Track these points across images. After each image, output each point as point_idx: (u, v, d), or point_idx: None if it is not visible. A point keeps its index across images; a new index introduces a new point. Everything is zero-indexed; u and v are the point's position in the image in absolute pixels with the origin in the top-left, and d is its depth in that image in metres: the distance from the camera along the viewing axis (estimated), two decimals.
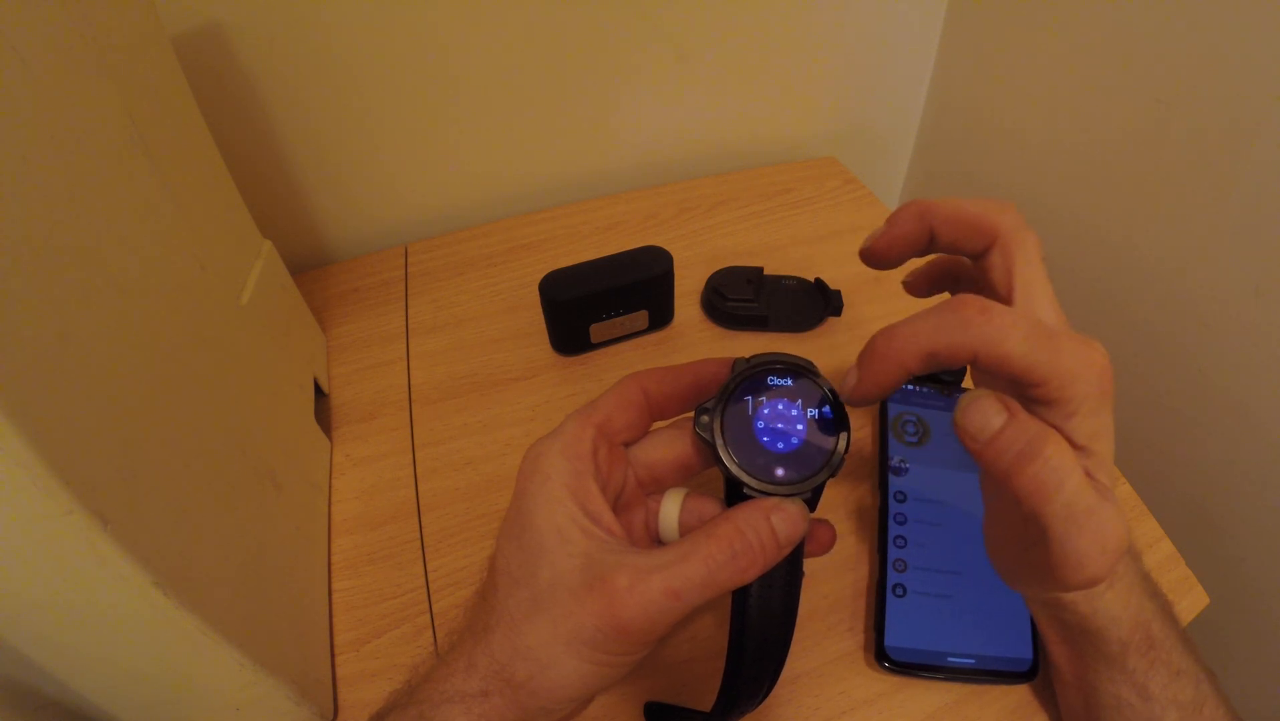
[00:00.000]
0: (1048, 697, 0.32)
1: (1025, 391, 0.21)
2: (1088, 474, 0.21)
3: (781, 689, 0.33)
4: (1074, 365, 0.20)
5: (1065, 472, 0.20)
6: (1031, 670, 0.33)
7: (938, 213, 0.25)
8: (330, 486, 0.42)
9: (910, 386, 0.43)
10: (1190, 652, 0.26)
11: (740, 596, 0.23)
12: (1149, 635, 0.25)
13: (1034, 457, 0.20)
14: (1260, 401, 0.47)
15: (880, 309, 0.51)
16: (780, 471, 0.24)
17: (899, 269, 0.28)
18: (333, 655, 0.35)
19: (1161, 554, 0.38)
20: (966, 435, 0.21)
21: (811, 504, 0.25)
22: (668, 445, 0.27)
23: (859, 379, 0.23)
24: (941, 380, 0.44)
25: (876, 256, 0.27)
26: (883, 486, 0.39)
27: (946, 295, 0.29)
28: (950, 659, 0.33)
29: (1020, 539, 0.23)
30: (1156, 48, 0.47)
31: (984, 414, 0.21)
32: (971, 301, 0.21)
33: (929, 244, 0.26)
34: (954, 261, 0.29)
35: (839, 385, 0.24)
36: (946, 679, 0.33)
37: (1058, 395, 0.21)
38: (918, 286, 0.31)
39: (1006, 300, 0.24)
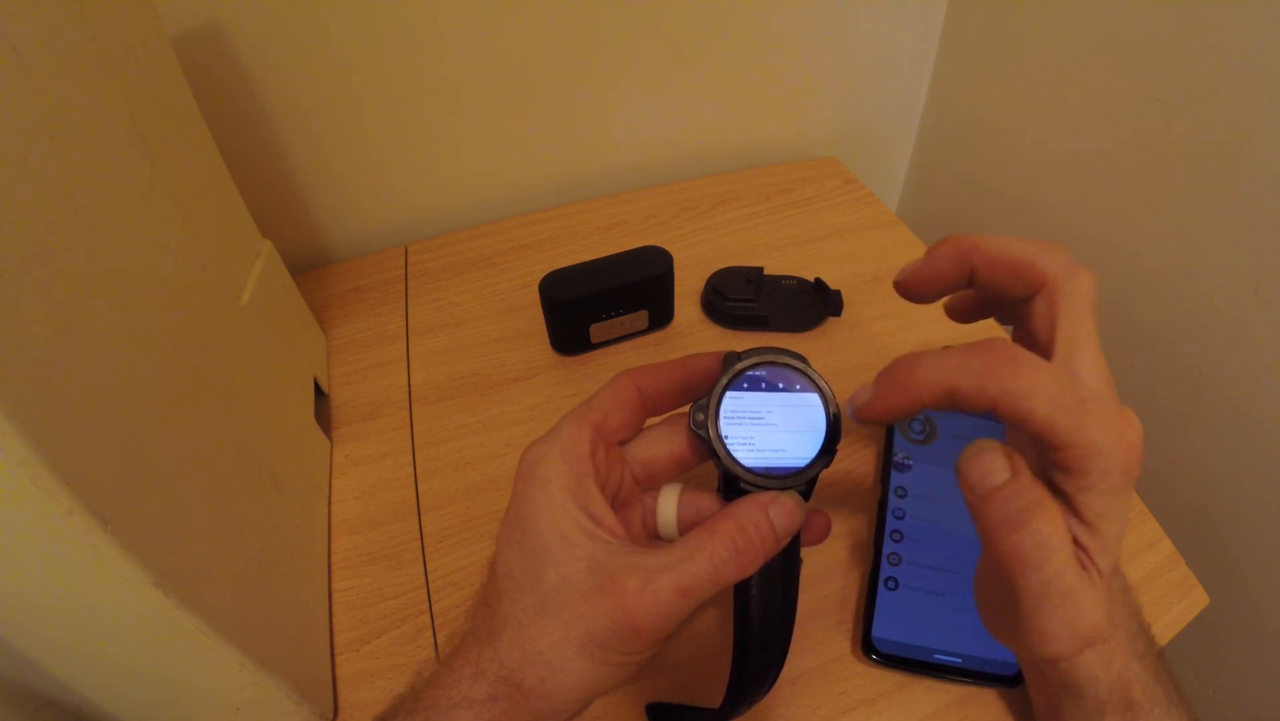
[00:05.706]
0: None
1: (1045, 452, 0.21)
2: (1084, 551, 0.20)
3: (781, 688, 0.33)
4: (1100, 439, 0.19)
5: (1051, 550, 0.20)
6: (1017, 676, 0.32)
7: (981, 253, 0.23)
8: (330, 486, 0.42)
9: None
10: (1175, 712, 0.25)
11: (742, 587, 0.24)
12: (1129, 697, 0.24)
13: (1022, 525, 0.20)
14: (1259, 402, 0.47)
15: (880, 309, 0.51)
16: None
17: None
18: (333, 655, 0.35)
19: (1161, 554, 0.38)
20: (965, 483, 0.21)
21: (806, 494, 0.25)
22: (663, 442, 0.27)
23: (872, 398, 0.22)
24: None
25: (910, 291, 0.26)
26: (885, 480, 0.39)
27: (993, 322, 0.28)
28: (937, 655, 0.33)
29: (1001, 594, 0.23)
30: (1156, 48, 0.47)
31: (987, 467, 0.20)
32: (1003, 347, 0.20)
33: (968, 284, 0.24)
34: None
35: (851, 398, 0.23)
36: (931, 675, 0.33)
37: (1077, 465, 0.20)
38: (960, 311, 0.29)
39: (1046, 353, 0.22)
